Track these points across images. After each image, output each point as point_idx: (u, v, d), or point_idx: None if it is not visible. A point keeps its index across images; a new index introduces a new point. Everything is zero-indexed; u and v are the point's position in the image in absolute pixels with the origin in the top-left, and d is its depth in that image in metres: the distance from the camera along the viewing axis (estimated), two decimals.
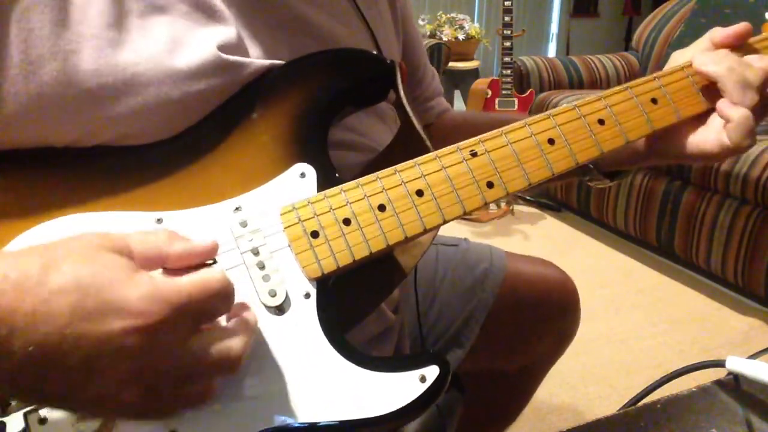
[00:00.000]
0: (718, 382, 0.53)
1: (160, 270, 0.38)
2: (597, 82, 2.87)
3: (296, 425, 0.43)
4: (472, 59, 3.87)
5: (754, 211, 1.83)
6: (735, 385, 0.52)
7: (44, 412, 0.38)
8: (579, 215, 2.69)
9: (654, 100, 0.56)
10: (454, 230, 2.53)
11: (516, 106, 2.84)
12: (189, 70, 0.47)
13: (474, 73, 3.74)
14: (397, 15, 0.72)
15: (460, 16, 3.90)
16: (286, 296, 0.45)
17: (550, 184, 0.94)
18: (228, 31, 0.50)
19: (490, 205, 2.57)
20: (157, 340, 0.34)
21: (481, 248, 0.90)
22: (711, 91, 0.57)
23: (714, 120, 0.56)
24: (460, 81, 3.81)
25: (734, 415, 0.50)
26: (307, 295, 0.46)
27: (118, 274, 0.35)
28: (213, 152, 0.49)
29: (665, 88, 0.57)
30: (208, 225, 0.46)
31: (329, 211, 0.47)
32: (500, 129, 0.52)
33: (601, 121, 0.54)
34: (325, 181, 0.49)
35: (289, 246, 0.46)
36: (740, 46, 0.60)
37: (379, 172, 0.49)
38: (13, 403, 0.38)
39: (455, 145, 0.51)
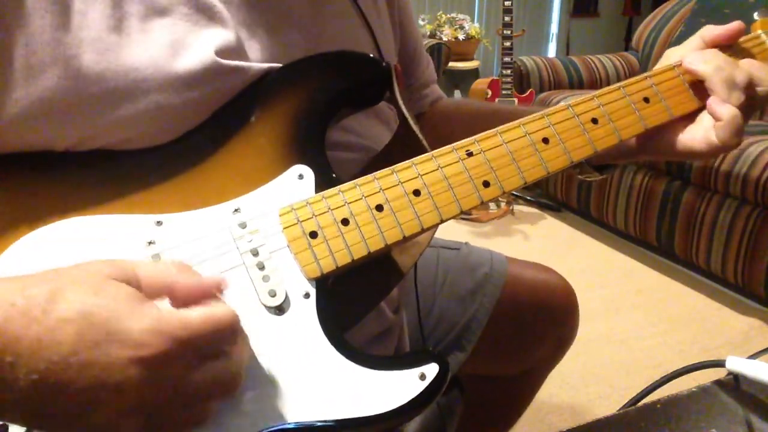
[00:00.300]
0: (718, 382, 0.53)
1: (168, 301, 0.38)
2: (597, 82, 2.87)
3: (297, 425, 0.43)
4: (472, 59, 3.87)
5: (754, 211, 1.83)
6: (735, 385, 0.52)
7: None
8: (579, 215, 2.69)
9: (646, 99, 0.57)
10: (454, 230, 2.54)
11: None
12: (189, 75, 0.47)
13: (474, 73, 3.74)
14: (393, 5, 0.71)
15: (460, 16, 3.90)
16: (286, 296, 0.45)
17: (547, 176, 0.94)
18: (227, 33, 0.50)
19: (490, 205, 2.56)
20: (159, 372, 0.34)
21: (481, 252, 0.90)
22: (701, 89, 0.57)
23: (702, 118, 0.57)
24: (460, 81, 3.81)
25: (734, 415, 0.49)
26: (307, 295, 0.46)
27: (124, 305, 0.34)
28: (212, 155, 0.49)
29: (657, 87, 0.57)
30: (207, 227, 0.46)
31: (327, 212, 0.47)
32: (495, 129, 0.52)
33: (594, 120, 0.55)
34: (323, 182, 0.49)
35: (288, 246, 0.46)
36: (731, 46, 0.60)
37: (377, 172, 0.49)
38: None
39: (451, 145, 0.51)
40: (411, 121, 0.55)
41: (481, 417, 0.99)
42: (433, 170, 0.50)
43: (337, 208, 0.48)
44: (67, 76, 0.44)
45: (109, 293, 0.35)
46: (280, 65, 0.53)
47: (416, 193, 0.49)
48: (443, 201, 0.50)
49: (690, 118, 0.58)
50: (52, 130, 0.45)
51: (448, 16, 3.89)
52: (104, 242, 0.44)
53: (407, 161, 0.50)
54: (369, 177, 0.49)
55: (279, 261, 0.46)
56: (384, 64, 0.55)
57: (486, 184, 0.51)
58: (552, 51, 5.68)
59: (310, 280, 0.46)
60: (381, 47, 0.63)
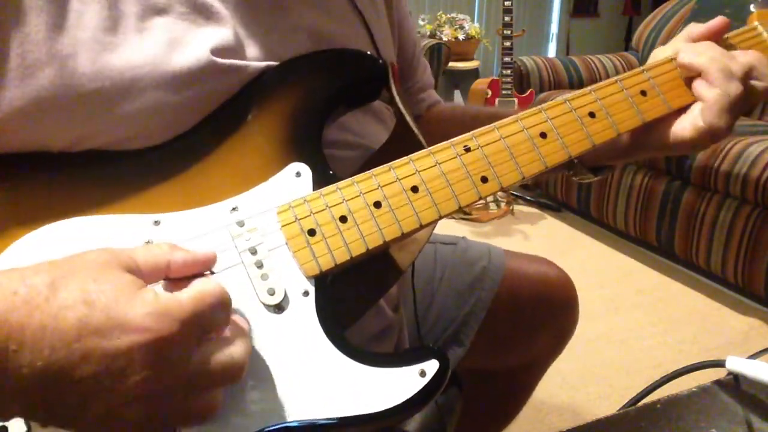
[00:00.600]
0: (718, 382, 0.53)
1: (162, 285, 0.39)
2: (597, 82, 2.86)
3: (297, 423, 0.43)
4: (472, 59, 3.87)
5: (754, 211, 1.83)
6: (735, 385, 0.52)
7: None
8: (579, 215, 2.69)
9: (643, 92, 0.57)
10: (454, 230, 2.53)
11: (516, 106, 2.84)
12: (186, 74, 0.47)
13: (474, 73, 3.74)
14: (392, 7, 0.72)
15: (460, 16, 3.90)
16: (285, 294, 0.45)
17: (547, 176, 0.93)
18: (225, 32, 0.50)
19: (490, 205, 2.55)
20: (163, 356, 0.34)
21: (479, 246, 0.90)
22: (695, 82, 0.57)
23: (693, 108, 0.57)
24: (460, 81, 3.81)
25: (734, 415, 0.49)
26: (306, 293, 0.46)
27: (125, 290, 0.35)
28: (209, 154, 0.49)
29: (654, 80, 0.57)
30: (205, 225, 0.46)
31: (325, 209, 0.47)
32: (493, 124, 0.52)
33: (592, 114, 0.55)
34: (320, 180, 0.49)
35: (286, 244, 0.46)
36: (727, 38, 0.61)
37: (374, 169, 0.49)
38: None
39: (449, 141, 0.51)
40: (408, 118, 0.55)
41: (481, 412, 0.99)
42: (431, 166, 0.50)
43: (335, 205, 0.47)
44: (62, 75, 0.44)
45: (108, 280, 0.35)
46: (277, 63, 0.52)
47: (414, 189, 0.49)
48: (441, 197, 0.50)
49: (684, 111, 0.58)
50: (48, 130, 0.45)
51: (448, 16, 3.89)
52: (102, 242, 0.44)
53: (405, 158, 0.50)
54: (367, 174, 0.49)
55: (277, 259, 0.46)
56: (381, 61, 0.55)
57: (484, 179, 0.51)
58: (552, 51, 5.68)
59: (308, 278, 0.46)
60: (379, 47, 0.63)
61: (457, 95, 3.95)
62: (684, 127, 0.56)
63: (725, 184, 1.89)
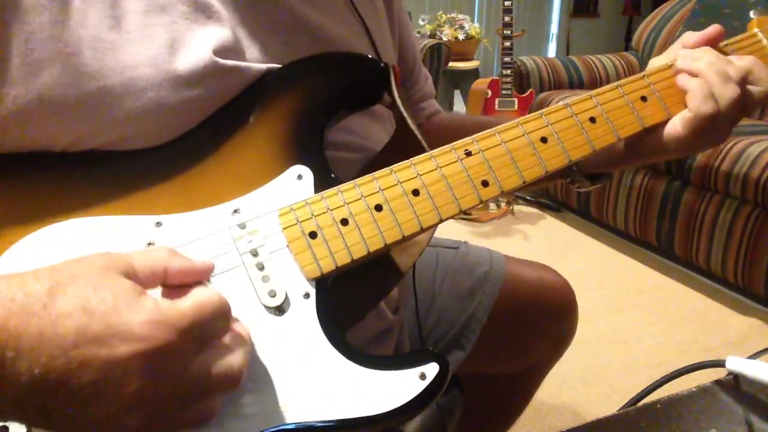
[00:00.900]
0: (718, 382, 0.53)
1: (160, 292, 0.38)
2: (597, 82, 2.87)
3: (297, 425, 0.43)
4: (472, 59, 3.87)
5: (754, 211, 1.83)
6: (735, 385, 0.52)
7: None
8: (579, 215, 2.69)
9: (644, 98, 0.57)
10: (454, 230, 2.54)
11: (516, 106, 2.84)
12: (187, 74, 0.47)
13: (474, 73, 3.74)
14: (393, 16, 0.72)
15: (460, 16, 3.90)
16: (286, 296, 0.45)
17: (546, 184, 0.94)
18: (226, 33, 0.50)
19: (490, 205, 2.55)
20: (161, 365, 0.34)
21: (480, 251, 0.90)
22: None
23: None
24: (460, 81, 3.81)
25: (734, 415, 0.49)
26: (307, 295, 0.46)
27: (124, 298, 0.35)
28: (211, 156, 0.49)
29: (654, 86, 0.58)
30: (207, 227, 0.46)
31: (327, 212, 0.47)
32: (494, 128, 0.53)
33: (592, 119, 0.55)
34: (322, 183, 0.49)
35: (287, 246, 0.46)
36: (727, 45, 0.61)
37: (376, 172, 0.49)
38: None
39: (450, 144, 0.51)
40: (409, 121, 0.55)
41: (481, 416, 0.99)
42: (432, 170, 0.50)
43: (336, 208, 0.48)
44: (65, 73, 0.44)
45: (107, 286, 0.35)
46: (280, 66, 0.53)
47: (415, 192, 0.49)
48: (442, 201, 0.50)
49: None
50: (50, 128, 0.45)
51: (448, 16, 3.89)
52: (104, 244, 0.44)
53: (406, 161, 0.50)
54: (368, 177, 0.49)
55: (279, 261, 0.46)
56: (383, 64, 0.55)
57: (485, 183, 0.51)
58: (552, 51, 5.68)
59: (309, 280, 0.46)
60: (379, 51, 0.64)
61: (457, 95, 3.94)
62: (675, 123, 0.57)
63: (725, 184, 1.89)
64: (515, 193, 2.88)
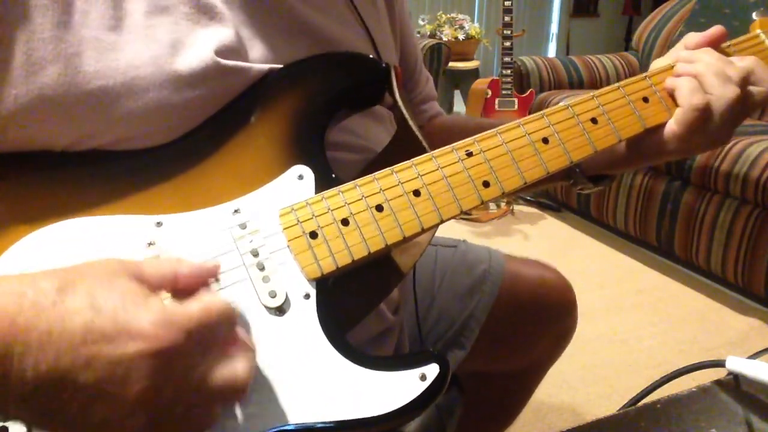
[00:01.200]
0: (718, 382, 0.53)
1: (169, 298, 0.39)
2: (597, 82, 2.87)
3: (297, 426, 0.43)
4: (472, 59, 3.87)
5: (754, 211, 1.83)
6: (735, 385, 0.52)
7: None
8: (579, 215, 2.69)
9: (645, 99, 0.57)
10: (454, 230, 2.53)
11: (516, 106, 2.84)
12: (189, 74, 0.47)
13: (474, 73, 3.74)
14: (394, 17, 0.72)
15: (460, 16, 3.90)
16: (286, 297, 0.45)
17: (547, 186, 0.93)
18: (228, 33, 0.50)
19: (490, 205, 2.55)
20: (167, 366, 0.34)
21: (479, 250, 0.90)
22: None
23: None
24: (460, 81, 3.81)
25: (734, 415, 0.50)
26: (307, 296, 0.46)
27: (132, 298, 0.35)
28: (212, 156, 0.49)
29: (656, 86, 0.58)
30: (207, 227, 0.46)
31: (327, 212, 0.47)
32: (495, 129, 0.53)
33: (594, 120, 0.55)
34: (322, 183, 0.49)
35: (288, 247, 0.46)
36: (729, 46, 0.61)
37: (376, 172, 0.49)
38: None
39: (451, 145, 0.51)
40: (410, 122, 0.55)
41: (481, 414, 0.99)
42: (433, 170, 0.50)
43: (337, 208, 0.48)
44: (67, 73, 0.44)
45: (116, 287, 0.35)
46: (281, 66, 0.53)
47: (416, 193, 0.49)
48: (443, 201, 0.50)
49: None
50: (51, 128, 0.45)
51: (448, 16, 3.89)
52: (104, 243, 0.44)
53: (407, 161, 0.50)
54: (369, 177, 0.49)
55: (279, 261, 0.46)
56: (384, 64, 0.55)
57: (486, 184, 0.51)
58: (552, 51, 5.68)
59: (310, 280, 0.46)
60: (380, 51, 0.64)
61: (457, 95, 3.94)
62: (670, 122, 0.57)
63: (725, 184, 1.89)
64: (516, 193, 2.87)
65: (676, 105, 0.57)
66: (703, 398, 0.51)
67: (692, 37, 0.61)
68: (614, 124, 0.56)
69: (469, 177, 0.51)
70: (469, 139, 0.52)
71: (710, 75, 0.55)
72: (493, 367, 0.92)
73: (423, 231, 0.49)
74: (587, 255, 2.37)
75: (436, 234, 0.63)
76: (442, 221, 0.50)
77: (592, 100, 0.56)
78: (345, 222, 0.47)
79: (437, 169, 0.50)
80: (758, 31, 0.63)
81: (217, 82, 0.49)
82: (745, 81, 0.56)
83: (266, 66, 0.52)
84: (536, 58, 2.93)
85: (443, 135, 0.76)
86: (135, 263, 0.38)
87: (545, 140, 0.53)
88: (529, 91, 2.84)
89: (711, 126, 0.56)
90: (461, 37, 3.75)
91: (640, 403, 0.52)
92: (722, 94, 0.55)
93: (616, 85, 0.57)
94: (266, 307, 0.45)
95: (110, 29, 0.46)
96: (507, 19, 2.84)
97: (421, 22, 3.94)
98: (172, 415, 0.36)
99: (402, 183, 0.49)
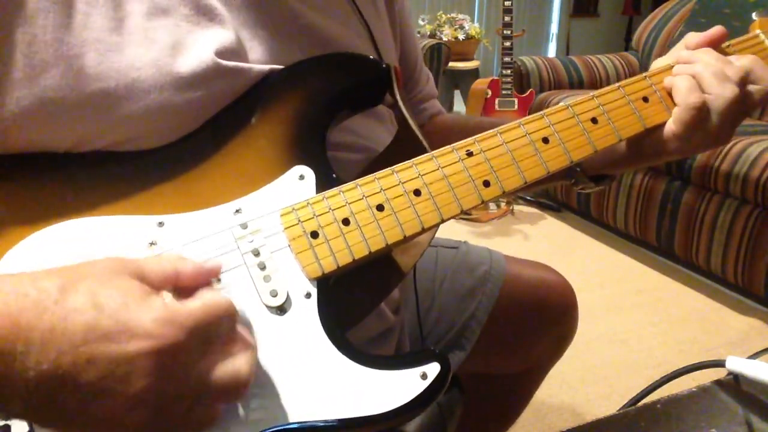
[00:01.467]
0: (718, 382, 0.53)
1: (170, 296, 0.39)
2: (597, 82, 2.87)
3: (298, 425, 0.43)
4: (472, 59, 3.87)
5: (754, 211, 1.83)
6: (735, 385, 0.52)
7: None
8: (579, 215, 2.69)
9: (645, 99, 0.57)
10: (454, 230, 2.54)
11: (516, 106, 2.84)
12: (190, 75, 0.47)
13: (474, 73, 3.74)
14: (395, 17, 0.72)
15: (460, 16, 3.90)
16: (287, 296, 0.45)
17: (547, 186, 0.94)
18: (228, 34, 0.50)
19: (490, 205, 2.55)
20: (169, 363, 0.35)
21: (480, 251, 0.90)
22: None
23: None
24: (460, 81, 3.81)
25: (734, 415, 0.50)
26: (308, 295, 0.46)
27: (134, 296, 0.35)
28: (213, 156, 0.50)
29: (656, 86, 0.58)
30: (209, 227, 0.46)
31: (328, 212, 0.47)
32: (495, 129, 0.53)
33: (594, 120, 0.55)
34: (323, 183, 0.49)
35: (289, 246, 0.47)
36: (729, 47, 0.61)
37: (377, 172, 0.49)
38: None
39: (451, 145, 0.51)
40: (411, 122, 0.55)
41: (481, 415, 0.99)
42: (434, 170, 0.50)
43: (338, 208, 0.48)
44: (68, 75, 0.44)
45: (118, 285, 0.35)
46: (282, 67, 0.53)
47: (417, 192, 0.49)
48: (444, 201, 0.50)
49: None
50: (53, 129, 0.45)
51: (448, 16, 3.89)
52: (106, 243, 0.45)
53: (408, 161, 0.50)
54: (370, 177, 0.49)
55: (280, 261, 0.46)
56: (384, 65, 0.55)
57: (486, 183, 0.51)
58: (552, 51, 5.69)
59: (311, 280, 0.46)
60: (381, 51, 0.64)
61: (457, 95, 3.94)
62: (669, 122, 0.57)
63: (725, 184, 1.89)
64: (516, 192, 2.87)
65: (675, 104, 0.57)
66: (703, 398, 0.51)
67: (692, 37, 0.61)
68: (614, 124, 0.56)
69: (469, 177, 0.51)
70: (469, 139, 0.52)
71: (709, 75, 0.55)
72: (493, 369, 0.92)
73: (423, 230, 0.49)
74: (587, 255, 2.37)
75: (437, 235, 0.63)
76: (443, 221, 0.50)
77: (592, 100, 0.56)
78: (346, 221, 0.48)
79: (438, 169, 0.50)
80: (758, 31, 0.63)
81: (218, 83, 0.49)
82: (743, 80, 0.56)
83: (267, 67, 0.52)
84: (536, 58, 2.93)
85: (443, 134, 0.76)
86: (136, 261, 0.38)
87: (545, 140, 0.54)
88: (529, 91, 2.84)
89: (710, 125, 0.56)
90: (461, 37, 3.75)
91: (640, 403, 0.52)
92: (720, 93, 0.55)
93: (616, 85, 0.57)
94: (267, 307, 0.45)
95: (111, 31, 0.46)
96: (507, 19, 2.84)
97: (421, 22, 3.94)
98: (173, 413, 0.36)
99: (403, 183, 0.49)
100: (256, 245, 0.46)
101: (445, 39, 3.63)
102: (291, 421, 0.43)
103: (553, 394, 1.54)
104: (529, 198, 2.88)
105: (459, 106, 4.07)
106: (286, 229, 0.47)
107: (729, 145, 1.89)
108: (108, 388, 0.33)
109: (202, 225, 0.47)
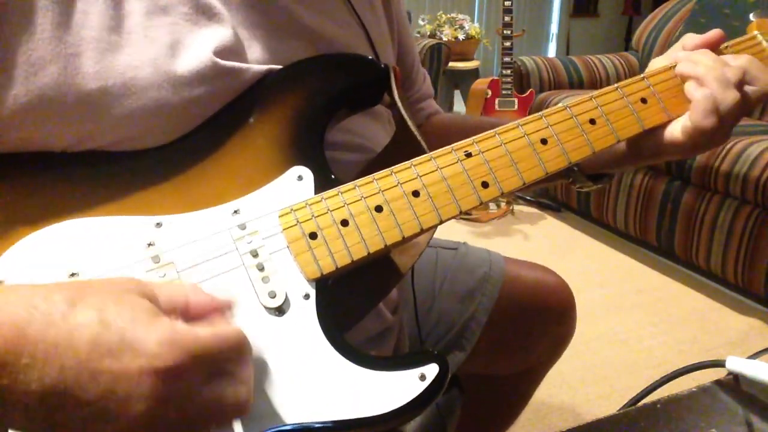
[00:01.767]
0: (718, 382, 0.53)
1: (180, 320, 0.38)
2: (597, 82, 2.87)
3: (296, 426, 0.43)
4: (472, 59, 3.87)
5: (754, 211, 1.83)
6: (735, 385, 0.52)
7: None
8: (579, 215, 2.69)
9: (643, 100, 0.57)
10: (454, 230, 2.54)
11: (516, 106, 2.84)
12: (188, 75, 0.47)
13: (474, 73, 3.74)
14: (392, 17, 0.72)
15: (460, 16, 3.90)
16: (286, 297, 0.45)
17: (546, 185, 0.94)
18: (227, 34, 0.50)
19: (490, 205, 2.55)
20: (170, 386, 0.34)
21: (479, 252, 0.90)
22: None
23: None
24: (460, 81, 3.81)
25: (734, 415, 0.49)
26: (307, 296, 0.46)
27: (141, 315, 0.35)
28: (211, 156, 0.49)
29: (654, 87, 0.58)
30: (207, 228, 0.46)
31: (327, 213, 0.47)
32: (494, 129, 0.53)
33: (592, 121, 0.55)
34: (322, 183, 0.49)
35: (287, 247, 0.47)
36: (726, 47, 0.61)
37: (376, 173, 0.49)
38: None
39: (450, 146, 0.51)
40: (409, 122, 0.55)
41: (480, 416, 0.99)
42: (432, 171, 0.50)
43: (336, 209, 0.48)
44: (66, 73, 0.44)
45: (128, 303, 0.35)
46: (280, 67, 0.53)
47: (415, 193, 0.49)
48: (442, 202, 0.50)
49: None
50: (51, 128, 0.45)
51: (448, 16, 3.89)
52: (104, 244, 0.44)
53: (406, 162, 0.50)
54: (368, 178, 0.49)
55: (279, 262, 0.46)
56: (383, 65, 0.55)
57: (485, 184, 0.51)
58: (552, 51, 5.68)
59: (309, 281, 0.46)
60: (378, 52, 0.64)
61: (457, 95, 3.94)
62: (675, 129, 0.57)
63: (725, 184, 1.89)
64: (515, 193, 2.87)
65: (685, 109, 0.57)
66: (703, 398, 0.51)
67: (690, 38, 0.61)
68: (612, 125, 0.56)
69: (468, 178, 0.51)
70: (468, 139, 0.52)
71: (711, 79, 0.55)
72: (493, 369, 0.92)
73: (422, 231, 0.49)
74: (587, 255, 2.37)
75: (437, 236, 0.63)
76: (441, 222, 0.50)
77: (591, 101, 0.56)
78: (344, 222, 0.47)
79: (436, 170, 0.50)
80: (755, 32, 0.63)
81: (216, 82, 0.49)
82: (742, 82, 0.56)
83: (265, 67, 0.52)
84: (536, 58, 2.93)
85: (441, 133, 0.76)
86: (150, 284, 0.38)
87: (544, 141, 0.54)
88: (529, 91, 2.84)
89: (711, 137, 0.56)
90: (461, 37, 3.75)
91: (640, 403, 0.52)
92: (723, 99, 0.55)
93: (615, 86, 0.57)
94: (266, 308, 0.45)
95: (110, 30, 0.46)
96: (507, 19, 2.84)
97: (421, 22, 3.94)
98: None
99: (401, 183, 0.49)
100: (254, 246, 0.46)
101: (445, 39, 3.63)
102: (289, 422, 0.42)
103: (553, 394, 1.54)
104: (529, 198, 2.88)
105: (459, 106, 4.07)
106: (284, 230, 0.47)
107: (729, 145, 1.89)
108: (108, 407, 0.33)
109: (200, 226, 0.46)
